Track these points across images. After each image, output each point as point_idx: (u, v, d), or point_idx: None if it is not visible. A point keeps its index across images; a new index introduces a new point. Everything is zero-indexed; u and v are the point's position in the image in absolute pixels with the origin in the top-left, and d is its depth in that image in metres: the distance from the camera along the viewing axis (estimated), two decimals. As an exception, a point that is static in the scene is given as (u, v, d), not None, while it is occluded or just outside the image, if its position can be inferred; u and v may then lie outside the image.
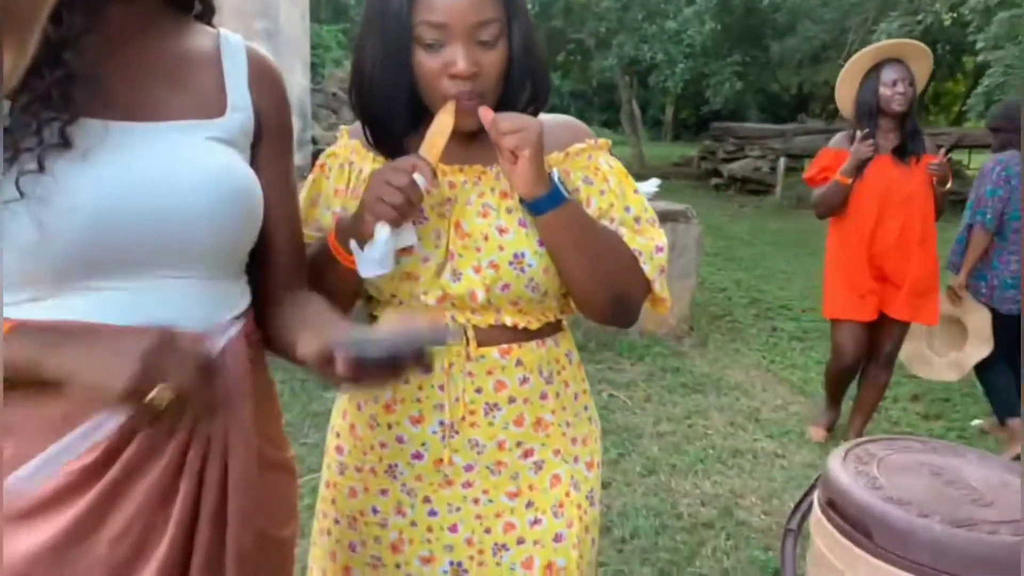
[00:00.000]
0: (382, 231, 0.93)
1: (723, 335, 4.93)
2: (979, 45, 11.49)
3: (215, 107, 0.85)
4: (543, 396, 1.10)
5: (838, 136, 3.21)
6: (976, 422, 3.66)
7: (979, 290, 3.39)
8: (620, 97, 18.14)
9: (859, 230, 3.06)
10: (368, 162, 1.09)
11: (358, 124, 1.10)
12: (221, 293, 0.84)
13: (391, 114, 1.03)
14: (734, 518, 2.69)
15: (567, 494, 1.11)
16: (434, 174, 0.96)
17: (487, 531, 1.09)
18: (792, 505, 1.04)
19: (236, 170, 0.84)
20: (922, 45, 3.13)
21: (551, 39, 17.84)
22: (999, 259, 3.33)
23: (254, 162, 0.89)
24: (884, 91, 2.96)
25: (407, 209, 0.94)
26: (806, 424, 3.54)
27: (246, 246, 0.87)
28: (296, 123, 5.14)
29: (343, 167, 1.11)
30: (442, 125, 0.98)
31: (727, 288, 6.22)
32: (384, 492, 1.10)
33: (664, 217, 4.85)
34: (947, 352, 3.50)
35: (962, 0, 12.60)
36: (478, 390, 1.06)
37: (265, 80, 0.91)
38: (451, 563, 1.09)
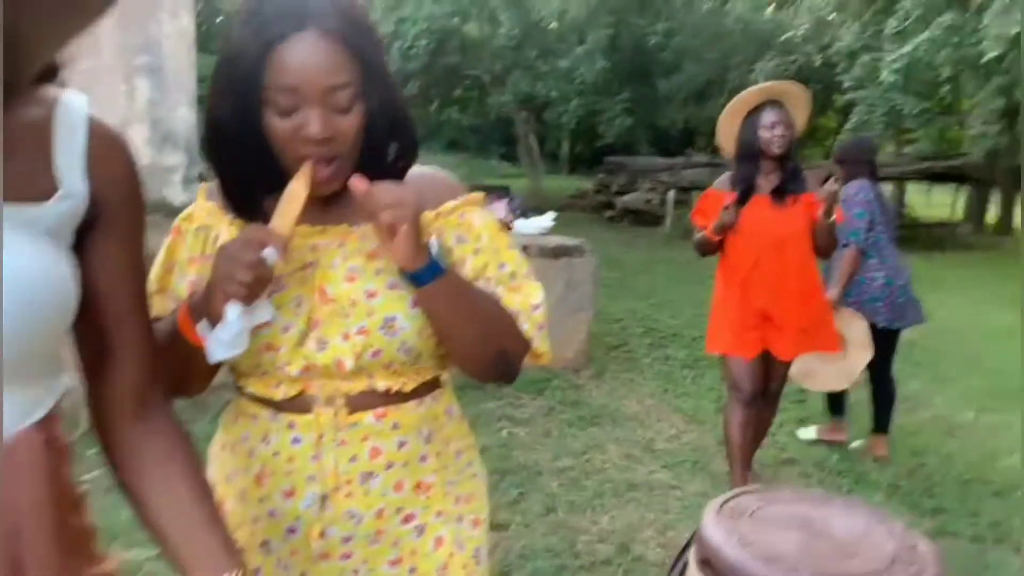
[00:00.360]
0: (233, 311, 0.88)
1: (619, 365, 5.03)
2: (845, 85, 12.35)
3: (38, 189, 0.73)
4: (423, 458, 1.07)
5: (722, 177, 3.19)
6: (855, 444, 3.86)
7: (850, 305, 3.63)
8: (518, 131, 18.45)
9: (738, 270, 3.09)
10: (224, 225, 1.03)
11: (214, 185, 1.05)
12: (17, 398, 0.72)
13: (246, 176, 0.99)
14: (631, 553, 2.72)
15: (451, 555, 1.08)
16: (286, 247, 0.92)
17: None
18: (687, 536, 1.06)
19: (37, 267, 0.71)
20: (800, 87, 3.14)
21: (447, 75, 18.01)
22: (866, 275, 3.60)
23: (85, 250, 0.78)
24: (763, 133, 2.98)
25: (258, 287, 0.90)
26: (699, 453, 3.64)
27: (43, 350, 0.75)
28: (182, 159, 4.86)
29: (199, 231, 1.05)
30: (295, 192, 0.94)
31: (623, 318, 6.37)
32: (257, 571, 1.04)
33: (560, 252, 4.94)
34: (833, 362, 3.66)
35: (829, 43, 13.54)
36: (352, 459, 1.01)
37: (107, 157, 0.79)
38: None
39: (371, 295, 0.99)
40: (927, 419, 4.32)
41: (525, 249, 4.74)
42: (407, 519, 1.06)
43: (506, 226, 5.26)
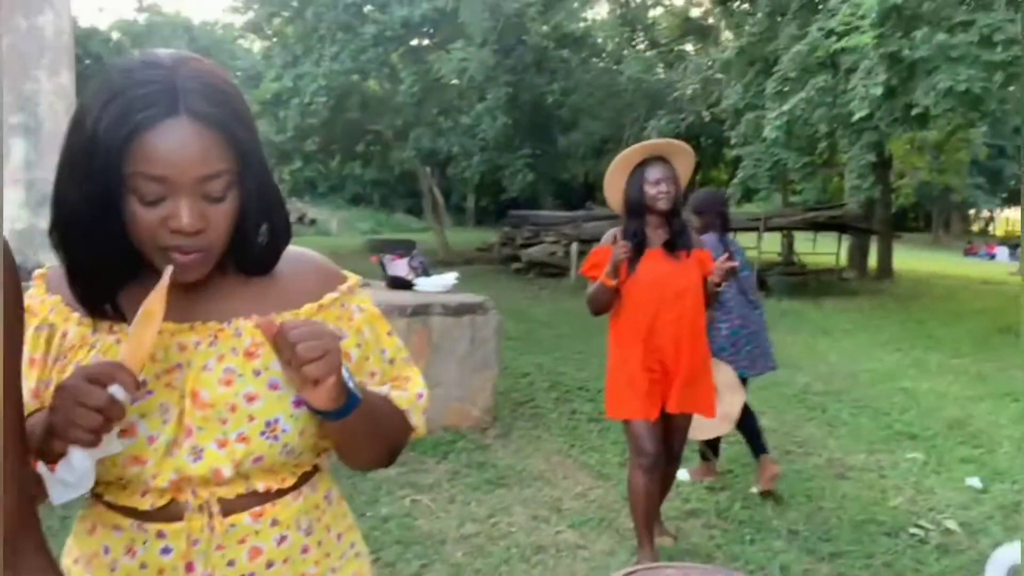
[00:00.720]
0: (77, 455, 0.80)
1: (526, 422, 5.00)
2: (733, 141, 13.04)
3: None
4: (304, 550, 1.00)
5: (609, 232, 3.14)
6: (753, 489, 3.94)
7: None
8: (422, 186, 18.52)
9: (635, 326, 3.01)
10: (73, 324, 0.94)
11: (56, 270, 0.95)
12: None
13: (99, 268, 0.90)
14: (539, 621, 2.65)
15: None
16: (138, 385, 0.83)
17: None
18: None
19: None
20: (683, 144, 3.15)
21: (349, 130, 18.00)
22: (713, 326, 3.74)
23: None
24: (648, 189, 2.97)
25: (106, 429, 0.81)
26: (606, 510, 3.62)
27: None
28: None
29: (40, 330, 0.94)
30: (151, 311, 0.85)
31: (529, 372, 6.36)
32: None
33: (463, 310, 4.91)
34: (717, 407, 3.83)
35: (717, 101, 14.29)
36: (230, 563, 0.94)
37: None
38: None
39: (251, 398, 0.92)
40: (821, 463, 4.46)
41: (428, 308, 4.72)
42: None
43: (408, 284, 5.17)
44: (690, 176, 3.20)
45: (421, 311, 4.64)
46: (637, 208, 3.02)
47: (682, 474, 3.99)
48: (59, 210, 0.88)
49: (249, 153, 0.88)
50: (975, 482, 4.20)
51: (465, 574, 2.96)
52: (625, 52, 19.57)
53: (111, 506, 0.94)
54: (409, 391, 1.06)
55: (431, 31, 17.04)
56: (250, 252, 0.95)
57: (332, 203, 29.16)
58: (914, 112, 9.10)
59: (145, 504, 0.92)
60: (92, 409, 0.79)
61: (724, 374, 3.80)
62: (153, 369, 0.91)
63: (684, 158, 3.10)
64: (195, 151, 0.83)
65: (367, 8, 16.54)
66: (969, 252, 31.03)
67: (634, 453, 3.07)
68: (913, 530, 3.57)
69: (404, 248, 9.82)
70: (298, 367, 0.84)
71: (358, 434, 0.97)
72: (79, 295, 0.93)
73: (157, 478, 0.90)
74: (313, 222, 25.78)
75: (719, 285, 3.01)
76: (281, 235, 0.99)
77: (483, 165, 16.32)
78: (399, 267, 5.33)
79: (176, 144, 0.82)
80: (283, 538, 0.97)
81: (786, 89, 10.57)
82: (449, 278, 5.33)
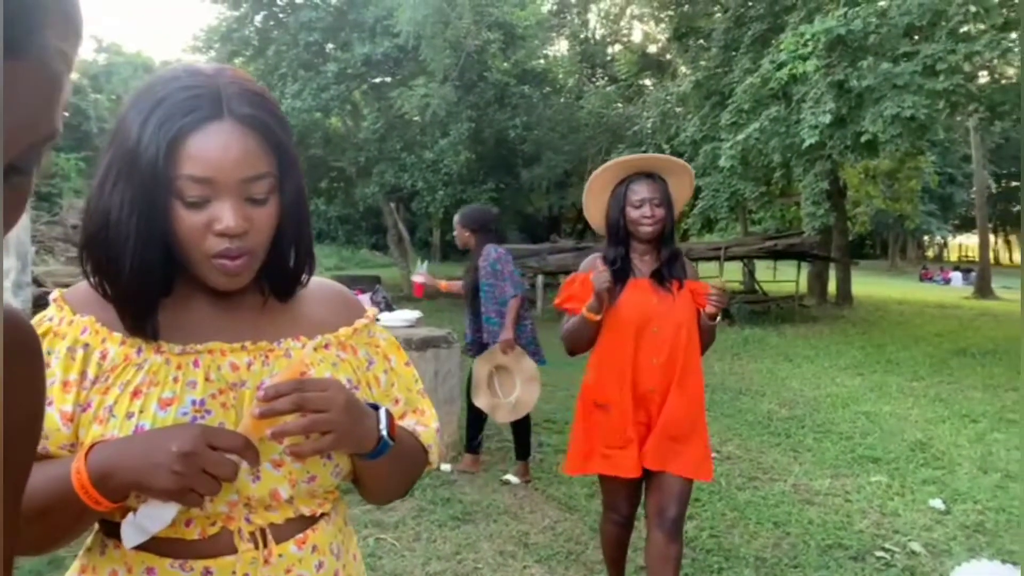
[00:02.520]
0: (169, 506, 0.81)
1: (492, 456, 4.94)
2: (692, 172, 13.28)
3: None
4: (336, 574, 0.99)
5: (589, 259, 2.70)
6: (506, 477, 4.44)
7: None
8: (387, 221, 18.48)
9: (617, 367, 2.55)
10: (113, 344, 0.89)
11: (79, 291, 0.91)
12: None
13: (144, 279, 0.86)
14: (506, 660, 2.59)
15: None
16: (258, 460, 0.85)
17: None
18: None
19: None
20: (677, 161, 2.65)
21: (312, 167, 17.94)
22: (522, 324, 4.43)
23: None
24: (631, 212, 2.54)
25: (214, 492, 0.82)
26: (572, 543, 3.58)
27: None
28: (13, 263, 4.48)
29: (73, 351, 0.88)
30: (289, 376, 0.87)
31: (495, 407, 6.30)
32: None
33: (427, 343, 4.86)
34: (507, 395, 4.47)
35: (676, 134, 14.54)
36: None
37: None
38: None
39: None
40: (787, 489, 4.47)
41: (390, 343, 4.69)
42: None
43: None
44: (689, 198, 2.76)
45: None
46: (617, 232, 2.59)
47: (445, 467, 4.60)
48: (98, 225, 0.85)
49: (288, 157, 0.89)
50: (938, 503, 4.25)
51: (430, 614, 2.89)
52: (585, 88, 19.91)
53: (142, 547, 0.87)
54: (430, 426, 1.07)
55: (393, 68, 17.16)
56: (285, 267, 0.95)
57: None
58: (863, 139, 9.36)
59: (193, 534, 0.88)
60: (214, 476, 0.80)
61: (527, 366, 4.43)
62: (208, 389, 0.90)
63: (679, 176, 2.62)
64: (239, 153, 0.84)
65: (328, 47, 16.63)
66: (925, 277, 31.79)
67: (607, 508, 2.72)
68: (879, 553, 3.58)
69: (367, 284, 9.76)
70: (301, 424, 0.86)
71: (385, 473, 0.99)
72: (123, 312, 0.89)
73: (216, 501, 0.87)
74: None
75: (714, 318, 2.56)
76: (309, 259, 0.99)
77: (447, 199, 16.37)
78: (364, 301, 5.30)
79: (221, 146, 0.83)
80: (321, 564, 0.96)
81: (741, 121, 10.80)
82: (412, 313, 5.31)
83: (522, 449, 4.61)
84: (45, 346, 0.86)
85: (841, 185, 15.66)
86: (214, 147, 0.83)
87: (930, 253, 51.78)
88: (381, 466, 0.95)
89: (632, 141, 15.80)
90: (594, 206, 2.66)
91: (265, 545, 0.90)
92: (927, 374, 8.41)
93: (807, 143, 9.11)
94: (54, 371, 0.87)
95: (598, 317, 2.52)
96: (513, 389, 4.47)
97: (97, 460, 0.80)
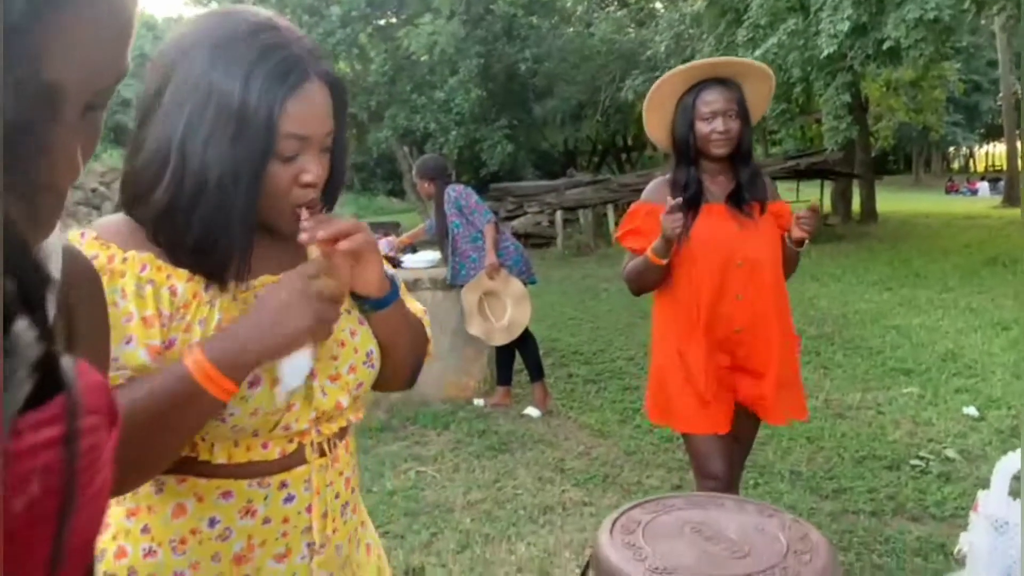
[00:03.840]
0: (307, 359, 0.92)
1: (523, 388, 5.00)
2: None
3: None
4: (353, 470, 1.09)
5: (654, 183, 2.36)
6: (527, 411, 4.50)
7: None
8: (401, 166, 18.39)
9: (692, 308, 2.24)
10: (180, 281, 0.91)
11: (113, 228, 0.91)
12: None
13: (234, 230, 0.90)
14: (551, 579, 2.67)
15: (379, 557, 1.14)
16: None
17: None
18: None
19: None
20: (753, 63, 2.33)
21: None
22: (502, 247, 4.53)
23: None
24: (700, 127, 2.20)
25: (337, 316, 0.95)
26: (608, 467, 3.64)
27: None
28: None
29: (143, 287, 0.89)
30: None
31: (523, 342, 6.36)
32: None
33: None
34: (500, 319, 4.54)
35: (691, 56, 14.18)
36: (336, 496, 1.01)
37: None
38: None
39: (353, 333, 1.02)
40: (819, 404, 4.48)
41: (417, 283, 4.71)
42: (359, 538, 1.09)
43: (394, 262, 5.29)
44: (767, 105, 2.40)
45: (411, 287, 4.62)
46: (686, 151, 2.24)
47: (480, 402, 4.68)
48: (196, 183, 0.87)
49: (345, 107, 0.98)
50: (972, 411, 4.25)
51: (475, 539, 2.97)
52: (595, 14, 19.40)
53: (214, 475, 0.93)
54: (424, 318, 1.16)
55: (398, 7, 16.82)
56: (332, 205, 1.04)
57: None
58: (885, 46, 9.06)
59: (273, 454, 0.95)
60: (331, 302, 0.91)
61: (514, 287, 4.51)
62: None
63: (757, 82, 2.27)
64: (325, 110, 0.93)
65: (331, -11, 16.29)
66: (951, 190, 31.19)
67: (699, 475, 2.30)
68: (914, 462, 3.61)
69: (389, 228, 9.77)
70: (335, 245, 0.94)
71: (400, 331, 1.07)
72: (199, 258, 0.91)
73: (300, 420, 0.95)
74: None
75: (802, 243, 2.24)
76: (338, 194, 1.08)
77: (461, 140, 16.20)
78: (384, 246, 5.32)
79: (315, 104, 0.91)
80: (355, 466, 1.08)
81: (758, 37, 10.50)
82: (434, 253, 5.32)
83: (535, 370, 4.68)
84: (105, 284, 0.83)
85: (863, 99, 15.27)
86: (309, 106, 0.90)
87: (955, 165, 50.69)
88: (395, 321, 1.05)
89: (646, 67, 15.44)
90: (656, 119, 2.30)
91: (332, 452, 1.00)
92: (957, 285, 8.32)
93: (826, 53, 8.84)
94: (127, 309, 0.87)
95: (664, 261, 2.19)
96: (504, 312, 4.55)
97: (218, 349, 0.86)
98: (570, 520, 3.13)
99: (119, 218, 0.93)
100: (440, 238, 4.76)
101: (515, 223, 13.99)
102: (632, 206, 2.37)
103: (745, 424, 2.32)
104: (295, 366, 0.90)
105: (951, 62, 16.80)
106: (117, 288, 0.88)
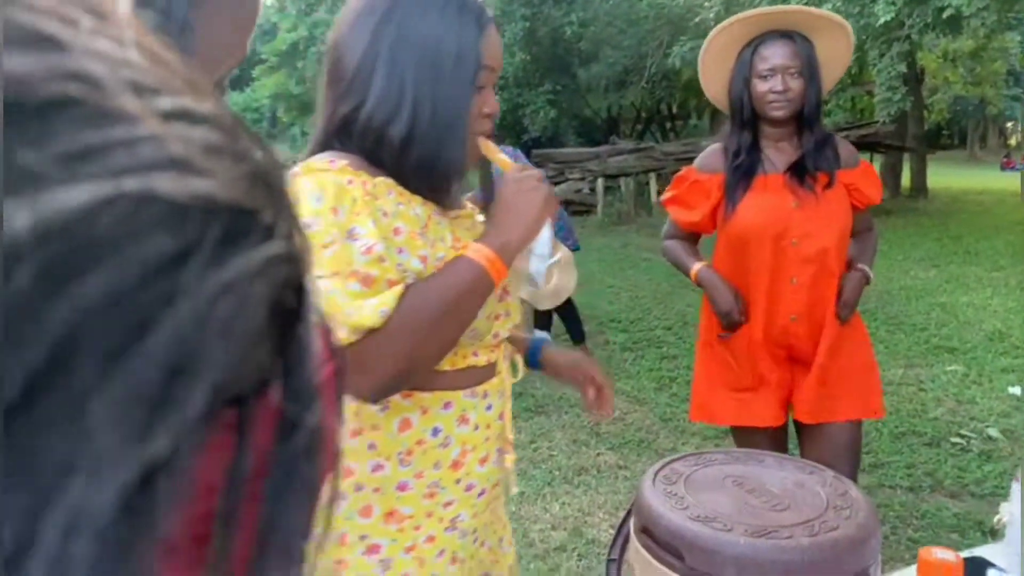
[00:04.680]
0: (548, 239, 1.15)
1: (560, 355, 5.04)
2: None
3: None
4: None
5: (709, 149, 2.13)
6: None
7: None
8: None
9: (744, 291, 2.02)
10: (416, 205, 1.04)
11: (353, 161, 1.01)
12: None
13: (456, 156, 1.04)
14: (584, 537, 2.72)
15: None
16: None
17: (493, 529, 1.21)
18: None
19: None
20: (831, 16, 2.02)
21: (367, 77, 17.81)
22: None
23: None
24: (757, 85, 1.94)
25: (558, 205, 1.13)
26: (643, 432, 3.67)
27: None
28: None
29: (400, 207, 1.02)
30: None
31: (561, 308, 6.39)
32: (441, 552, 1.08)
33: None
34: (546, 284, 4.61)
35: (740, 23, 13.83)
36: (509, 408, 1.17)
37: None
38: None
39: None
40: (859, 378, 4.44)
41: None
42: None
43: None
44: (847, 65, 2.11)
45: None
46: (741, 112, 1.98)
47: None
48: (420, 117, 1.01)
49: None
50: (1017, 391, 4.17)
51: (510, 497, 3.03)
52: (643, -22, 19.00)
53: (436, 387, 1.06)
54: None
55: (443, -31, 16.66)
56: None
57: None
58: (945, 15, 8.75)
59: (482, 361, 1.09)
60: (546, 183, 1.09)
61: (562, 253, 4.50)
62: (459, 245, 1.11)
63: (831, 36, 1.98)
64: (502, 46, 1.09)
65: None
66: (1006, 166, 30.13)
67: None
68: (955, 439, 3.57)
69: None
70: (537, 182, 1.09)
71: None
72: (433, 186, 1.05)
73: (503, 330, 1.11)
74: (337, 173, 25.79)
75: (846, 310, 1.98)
76: None
77: (504, 104, 16.08)
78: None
79: (498, 40, 1.08)
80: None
81: (812, 2, 10.20)
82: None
83: (576, 334, 4.74)
84: (366, 203, 0.98)
85: (918, 70, 14.80)
86: (496, 42, 1.06)
87: (1013, 141, 48.95)
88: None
89: (694, 33, 15.11)
90: (713, 75, 2.04)
91: (512, 366, 1.16)
92: (1008, 264, 8.10)
93: (882, 20, 8.57)
94: (392, 224, 1.00)
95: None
96: (551, 277, 4.65)
97: (494, 242, 1.02)
98: (604, 482, 3.17)
99: (340, 153, 1.03)
100: (486, 204, 4.81)
101: (556, 190, 13.95)
102: (684, 170, 2.18)
103: (833, 429, 2.00)
104: (542, 247, 1.11)
105: (1014, 33, 16.15)
106: (379, 208, 0.99)
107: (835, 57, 2.00)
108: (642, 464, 3.33)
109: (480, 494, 1.10)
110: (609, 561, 0.92)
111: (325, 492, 0.18)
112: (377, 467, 1.03)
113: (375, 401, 0.99)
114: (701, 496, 0.84)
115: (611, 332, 5.62)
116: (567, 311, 4.73)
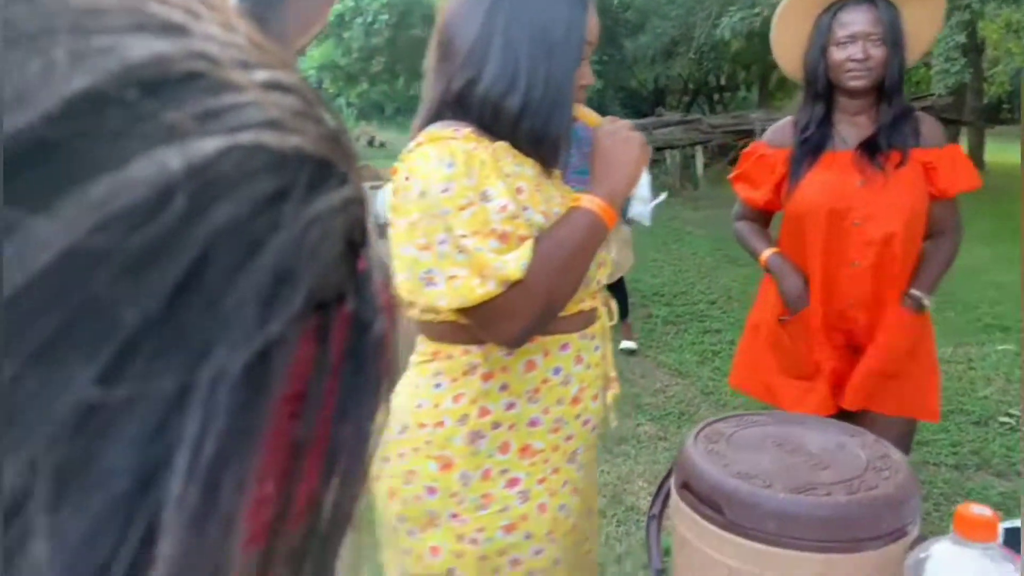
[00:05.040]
0: (647, 183, 1.30)
1: (602, 327, 5.07)
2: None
3: None
4: None
5: (780, 123, 2.01)
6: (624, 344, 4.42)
7: None
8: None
9: (810, 272, 1.89)
10: (528, 167, 1.15)
11: (471, 128, 1.11)
12: None
13: (565, 123, 1.14)
14: (623, 504, 2.76)
15: None
16: None
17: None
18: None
19: None
20: None
21: (412, 48, 17.79)
22: None
23: None
24: (834, 53, 1.81)
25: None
26: (684, 405, 3.68)
27: None
28: None
29: (518, 169, 1.14)
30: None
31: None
32: (565, 483, 1.20)
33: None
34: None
35: (793, -8, 13.47)
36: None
37: None
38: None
39: None
40: (906, 356, 4.38)
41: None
42: None
43: None
44: (936, 33, 1.96)
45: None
46: (815, 82, 1.85)
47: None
48: (534, 89, 1.11)
49: None
50: (1070, 371, 4.08)
51: (550, 464, 3.09)
52: (693, -54, 18.57)
53: (555, 330, 1.16)
54: None
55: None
56: None
57: (400, 125, 29.00)
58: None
59: (588, 305, 1.20)
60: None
61: (621, 231, 4.42)
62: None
63: (920, 3, 1.82)
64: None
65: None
66: (1071, 142, 28.99)
67: None
68: (1003, 419, 3.51)
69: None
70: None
71: None
72: (549, 155, 1.16)
73: (602, 278, 1.23)
74: (383, 145, 25.82)
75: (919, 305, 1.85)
76: None
77: (548, 76, 15.98)
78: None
79: (596, 16, 1.16)
80: None
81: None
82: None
83: (622, 310, 4.75)
84: (492, 166, 1.08)
85: (978, 41, 14.27)
86: (596, 20, 1.15)
87: (1079, 115, 46.93)
88: None
89: (744, 3, 14.76)
90: (786, 42, 1.90)
91: (608, 311, 1.26)
92: (1067, 243, 7.85)
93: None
94: (516, 184, 1.11)
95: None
96: (609, 253, 4.75)
97: (605, 192, 1.14)
98: (644, 452, 3.20)
99: (459, 123, 1.11)
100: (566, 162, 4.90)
101: (600, 162, 13.85)
102: (752, 144, 2.07)
103: (882, 422, 1.81)
104: (643, 190, 1.27)
105: (1084, 1, 15.42)
106: (503, 170, 1.09)
107: (923, 25, 1.84)
108: (681, 436, 3.34)
109: (593, 428, 1.23)
110: (650, 518, 0.95)
111: (384, 391, 0.22)
112: (510, 405, 1.14)
113: (517, 345, 1.10)
114: (742, 455, 0.86)
115: (654, 306, 5.61)
116: (616, 285, 4.74)
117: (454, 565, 1.13)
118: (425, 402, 1.14)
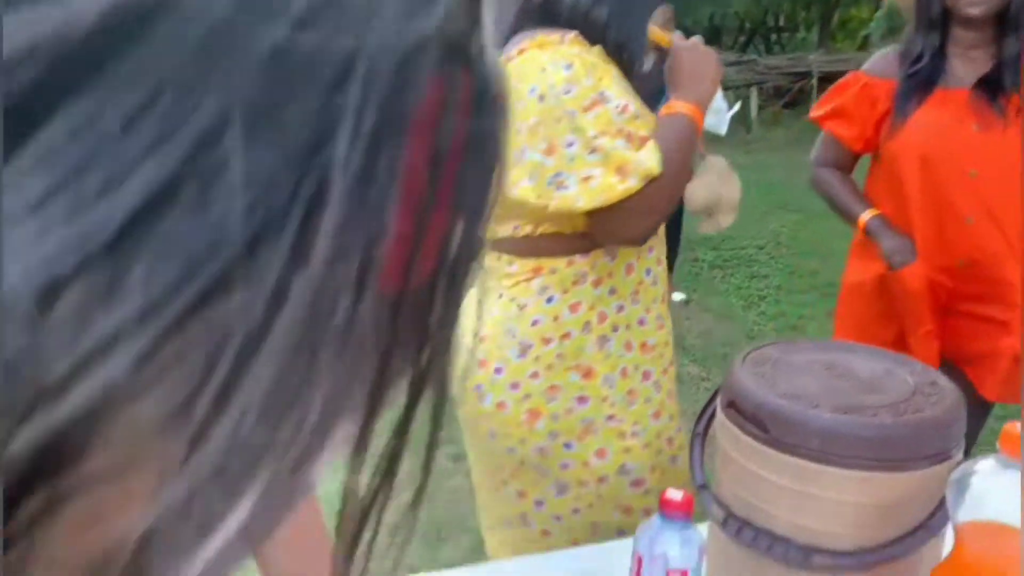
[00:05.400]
0: (720, 96, 1.28)
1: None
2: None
3: None
4: None
5: (880, 55, 1.78)
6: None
7: None
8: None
9: (908, 226, 1.68)
10: (613, 66, 1.19)
11: (572, 35, 1.16)
12: None
13: (643, 39, 1.21)
14: (664, 441, 2.80)
15: None
16: None
17: None
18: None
19: None
20: None
21: None
22: None
23: None
24: None
25: None
26: (728, 347, 3.68)
27: None
28: None
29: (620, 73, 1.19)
30: None
31: (650, 223, 6.35)
32: (666, 376, 1.33)
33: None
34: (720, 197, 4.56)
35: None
36: None
37: None
38: None
39: None
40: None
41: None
42: None
43: None
44: None
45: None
46: (927, 9, 1.63)
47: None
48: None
49: None
50: None
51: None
52: None
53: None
54: None
55: None
56: None
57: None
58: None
59: None
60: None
61: (717, 162, 3.88)
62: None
63: None
64: None
65: None
66: None
67: None
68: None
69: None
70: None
71: None
72: (630, 60, 1.21)
73: None
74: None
75: None
76: None
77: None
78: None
79: None
80: None
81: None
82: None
83: (672, 252, 4.70)
84: (602, 70, 1.14)
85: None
86: None
87: None
88: None
89: (809, -63, 14.14)
90: None
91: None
92: None
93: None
94: (625, 88, 1.16)
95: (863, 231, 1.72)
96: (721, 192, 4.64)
97: (692, 99, 1.19)
98: (685, 391, 3.21)
99: (551, 29, 1.16)
100: (647, 98, 4.68)
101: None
102: (849, 75, 1.80)
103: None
104: (718, 102, 1.25)
105: None
106: (610, 72, 1.14)
107: None
108: (723, 377, 3.36)
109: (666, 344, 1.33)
110: (694, 436, 0.97)
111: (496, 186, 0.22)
112: (620, 308, 1.21)
113: (642, 243, 1.20)
114: (789, 377, 0.88)
115: (701, 250, 5.55)
116: (673, 225, 4.59)
117: (624, 460, 1.22)
118: (541, 318, 1.17)
